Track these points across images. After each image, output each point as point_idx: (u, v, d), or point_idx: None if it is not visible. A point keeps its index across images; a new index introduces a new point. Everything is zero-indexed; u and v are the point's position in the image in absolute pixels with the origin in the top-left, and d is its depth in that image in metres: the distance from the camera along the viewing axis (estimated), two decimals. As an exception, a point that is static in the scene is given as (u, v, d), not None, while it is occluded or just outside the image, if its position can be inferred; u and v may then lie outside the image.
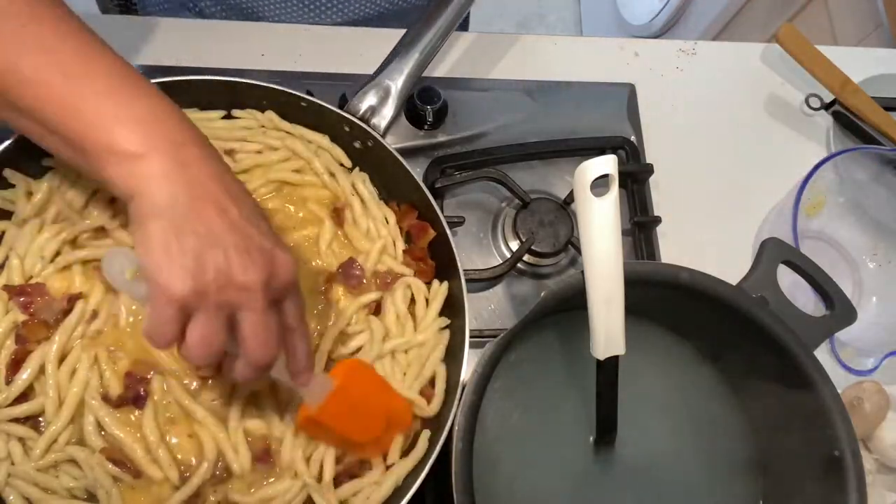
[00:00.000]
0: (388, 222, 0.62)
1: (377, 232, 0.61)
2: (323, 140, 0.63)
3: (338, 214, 0.61)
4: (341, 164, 0.63)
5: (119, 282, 0.44)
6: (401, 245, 0.61)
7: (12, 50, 0.43)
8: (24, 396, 0.52)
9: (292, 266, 0.45)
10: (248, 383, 0.52)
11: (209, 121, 0.62)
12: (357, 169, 0.64)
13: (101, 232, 0.57)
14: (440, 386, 0.56)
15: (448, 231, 0.59)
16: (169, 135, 0.44)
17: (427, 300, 0.60)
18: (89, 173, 0.45)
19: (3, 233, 0.56)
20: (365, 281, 0.59)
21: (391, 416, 0.54)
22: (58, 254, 0.55)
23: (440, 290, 0.59)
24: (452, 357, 0.58)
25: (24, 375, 0.51)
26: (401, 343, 0.57)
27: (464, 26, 0.97)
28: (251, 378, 0.46)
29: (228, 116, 0.63)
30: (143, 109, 0.44)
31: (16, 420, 0.51)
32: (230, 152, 0.61)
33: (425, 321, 0.58)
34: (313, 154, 0.62)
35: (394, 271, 0.60)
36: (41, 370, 0.52)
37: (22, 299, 0.53)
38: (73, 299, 0.54)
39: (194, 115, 0.62)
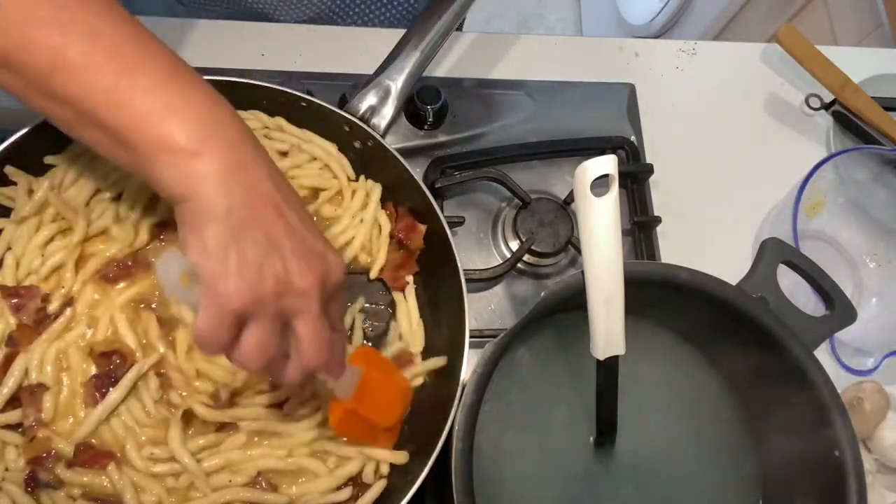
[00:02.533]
0: (381, 232, 0.62)
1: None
2: (331, 148, 0.63)
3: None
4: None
5: (173, 288, 0.40)
6: (380, 261, 0.61)
7: (57, 32, 0.39)
8: (16, 401, 0.52)
9: (343, 267, 0.45)
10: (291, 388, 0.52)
11: None
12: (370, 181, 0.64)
13: (104, 234, 0.57)
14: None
15: (448, 231, 0.59)
16: (225, 132, 0.41)
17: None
18: (133, 169, 0.42)
19: (2, 230, 0.56)
20: None
21: (402, 395, 0.55)
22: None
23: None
24: (452, 357, 0.58)
25: (10, 383, 0.52)
26: None
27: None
28: (300, 381, 0.44)
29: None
30: (198, 104, 0.41)
31: (9, 427, 0.52)
32: None
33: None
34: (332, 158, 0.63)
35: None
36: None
37: (14, 301, 0.53)
38: (64, 305, 0.54)
39: None
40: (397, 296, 0.62)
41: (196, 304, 0.40)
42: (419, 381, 0.59)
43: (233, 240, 0.39)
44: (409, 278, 0.62)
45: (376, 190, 0.63)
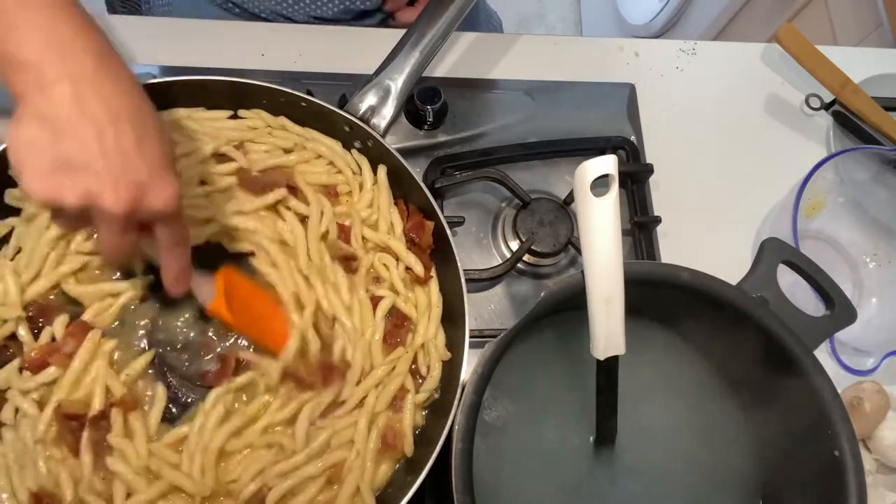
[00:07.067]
0: (394, 231, 0.62)
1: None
2: (335, 145, 0.63)
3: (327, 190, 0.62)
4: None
5: None
6: (415, 263, 0.61)
7: None
8: (44, 364, 0.53)
9: (167, 199, 0.46)
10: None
11: (216, 120, 0.62)
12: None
13: None
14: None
15: (448, 231, 0.59)
16: (68, 48, 0.43)
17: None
18: None
19: (13, 229, 0.57)
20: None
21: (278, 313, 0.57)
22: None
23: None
24: (452, 356, 0.58)
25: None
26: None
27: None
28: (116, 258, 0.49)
29: (234, 116, 0.63)
30: (43, 22, 0.43)
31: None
32: (239, 146, 0.61)
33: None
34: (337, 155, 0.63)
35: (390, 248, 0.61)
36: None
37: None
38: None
39: (202, 114, 0.62)
40: (419, 291, 0.61)
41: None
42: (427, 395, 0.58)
43: (48, 140, 0.42)
44: (432, 272, 0.61)
45: (381, 171, 0.63)
